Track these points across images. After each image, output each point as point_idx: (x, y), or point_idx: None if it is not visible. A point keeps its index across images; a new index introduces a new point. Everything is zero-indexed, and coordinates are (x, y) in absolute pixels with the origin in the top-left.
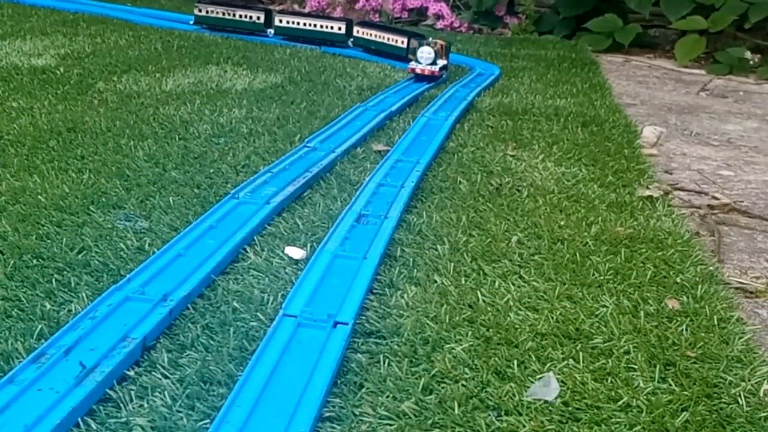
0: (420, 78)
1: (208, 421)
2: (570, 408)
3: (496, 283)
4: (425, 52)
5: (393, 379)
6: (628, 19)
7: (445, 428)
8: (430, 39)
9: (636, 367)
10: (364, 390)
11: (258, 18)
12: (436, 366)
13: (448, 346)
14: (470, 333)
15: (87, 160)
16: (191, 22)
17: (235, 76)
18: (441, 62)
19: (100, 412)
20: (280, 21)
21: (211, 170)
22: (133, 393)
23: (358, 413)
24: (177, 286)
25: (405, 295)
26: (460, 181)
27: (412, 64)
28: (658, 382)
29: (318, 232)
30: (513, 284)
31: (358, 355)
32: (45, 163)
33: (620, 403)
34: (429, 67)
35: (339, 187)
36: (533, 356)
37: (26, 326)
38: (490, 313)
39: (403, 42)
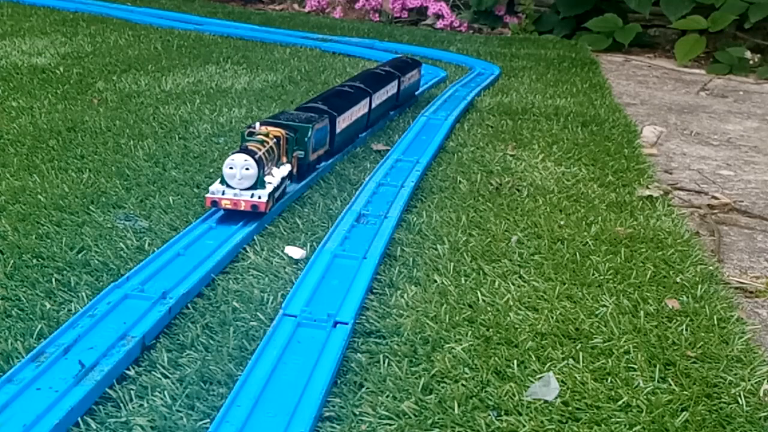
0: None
1: (208, 420)
2: (570, 408)
3: (496, 283)
4: (237, 165)
5: (393, 379)
6: (627, 19)
7: (445, 428)
8: (256, 126)
9: (636, 367)
10: (364, 390)
11: None
12: (436, 366)
13: (448, 345)
14: (470, 333)
15: (87, 159)
16: None
17: (235, 75)
18: (276, 175)
19: (100, 411)
20: None
21: (211, 170)
22: (132, 392)
23: (358, 413)
24: (176, 284)
25: (405, 295)
26: (460, 181)
27: (214, 190)
28: (658, 382)
29: (318, 231)
30: (513, 284)
31: (358, 354)
32: (45, 163)
33: (620, 402)
34: (245, 196)
35: (339, 186)
36: (533, 356)
37: (26, 326)
38: (490, 313)
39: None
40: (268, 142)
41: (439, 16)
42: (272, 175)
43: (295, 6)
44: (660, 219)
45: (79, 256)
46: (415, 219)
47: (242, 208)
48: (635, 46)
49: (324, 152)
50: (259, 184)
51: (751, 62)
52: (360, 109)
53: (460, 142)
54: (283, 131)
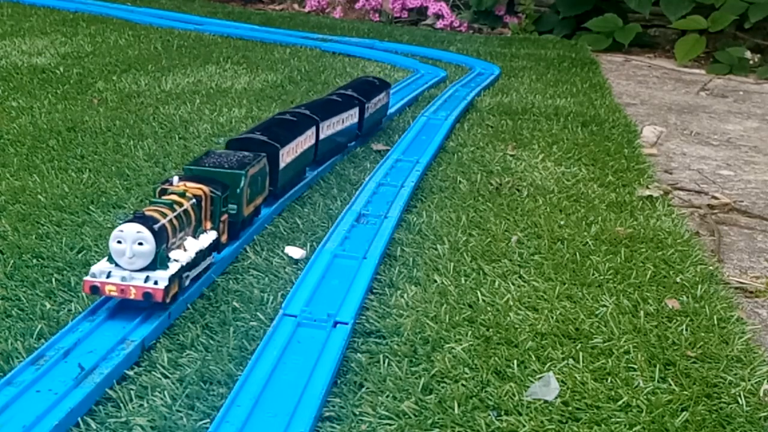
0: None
1: (208, 420)
2: (570, 408)
3: (496, 283)
4: (127, 238)
5: (393, 379)
6: (628, 19)
7: (445, 428)
8: (174, 180)
9: (636, 367)
10: (364, 390)
11: None
12: (436, 366)
13: (448, 345)
14: (470, 333)
15: (87, 159)
16: None
17: (235, 75)
18: (191, 248)
19: (100, 411)
20: None
21: None
22: (133, 393)
23: (358, 413)
24: None
25: (405, 295)
26: (459, 181)
27: (96, 272)
28: (658, 381)
29: (318, 231)
30: (513, 284)
31: (358, 354)
32: (45, 163)
33: (620, 402)
34: (136, 281)
35: (339, 186)
36: (533, 356)
37: (26, 326)
38: (490, 313)
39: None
40: (182, 204)
41: (439, 16)
42: (183, 248)
43: (295, 6)
44: (660, 219)
45: (79, 256)
46: (415, 219)
47: (131, 297)
48: (635, 46)
49: (263, 199)
50: (159, 263)
51: (751, 62)
52: (306, 140)
53: (460, 142)
54: (206, 188)
